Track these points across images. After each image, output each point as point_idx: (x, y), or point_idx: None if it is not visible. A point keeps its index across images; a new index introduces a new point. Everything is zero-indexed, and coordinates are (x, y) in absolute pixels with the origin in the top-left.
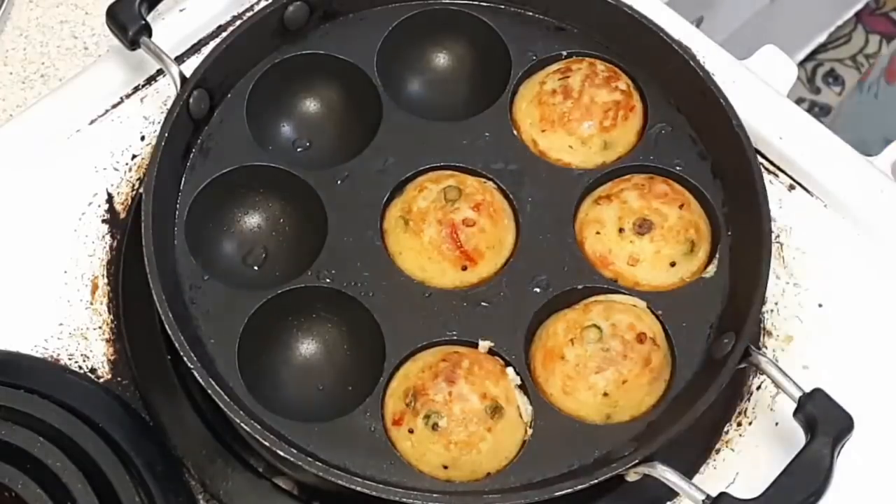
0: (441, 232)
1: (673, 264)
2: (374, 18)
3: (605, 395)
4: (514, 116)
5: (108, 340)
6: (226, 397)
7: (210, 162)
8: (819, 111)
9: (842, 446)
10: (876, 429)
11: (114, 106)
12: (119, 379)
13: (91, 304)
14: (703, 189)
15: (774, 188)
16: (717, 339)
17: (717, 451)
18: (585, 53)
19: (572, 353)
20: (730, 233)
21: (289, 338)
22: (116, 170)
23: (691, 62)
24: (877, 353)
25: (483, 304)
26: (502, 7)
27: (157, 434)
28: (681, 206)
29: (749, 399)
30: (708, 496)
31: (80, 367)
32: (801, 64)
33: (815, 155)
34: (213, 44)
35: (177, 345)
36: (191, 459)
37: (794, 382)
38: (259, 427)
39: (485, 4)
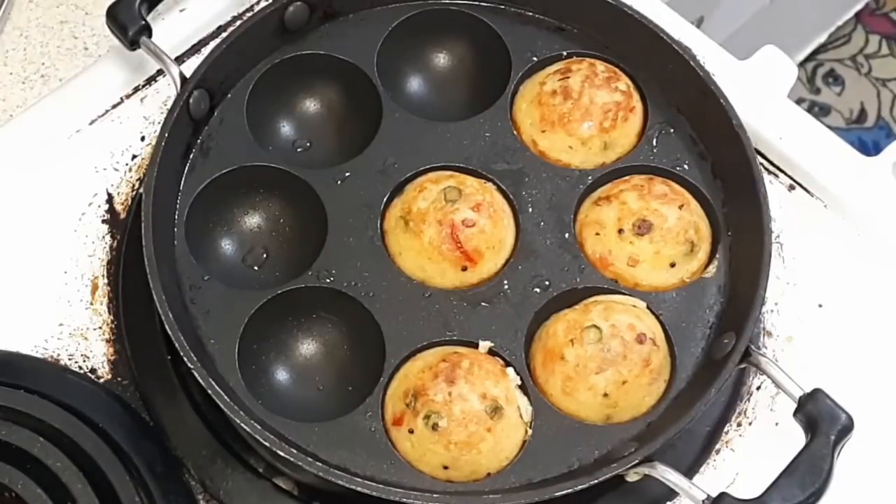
0: (441, 232)
1: (673, 265)
2: (374, 18)
3: (605, 395)
4: (514, 117)
5: (108, 340)
6: (226, 397)
7: (210, 162)
8: (819, 111)
9: (842, 446)
10: (876, 429)
11: (114, 106)
12: (119, 379)
13: (91, 304)
14: (703, 189)
15: (774, 188)
16: (717, 339)
17: (717, 451)
18: (585, 53)
19: (572, 353)
20: (730, 233)
21: (289, 338)
22: (116, 170)
23: (691, 62)
24: (877, 353)
25: (483, 304)
26: (502, 7)
27: (157, 434)
28: (680, 207)
29: (749, 399)
30: (708, 496)
31: (80, 368)
32: (801, 64)
33: (815, 155)
34: (213, 44)
35: (177, 345)
36: (191, 459)
37: (795, 382)
38: (259, 427)
39: (485, 4)
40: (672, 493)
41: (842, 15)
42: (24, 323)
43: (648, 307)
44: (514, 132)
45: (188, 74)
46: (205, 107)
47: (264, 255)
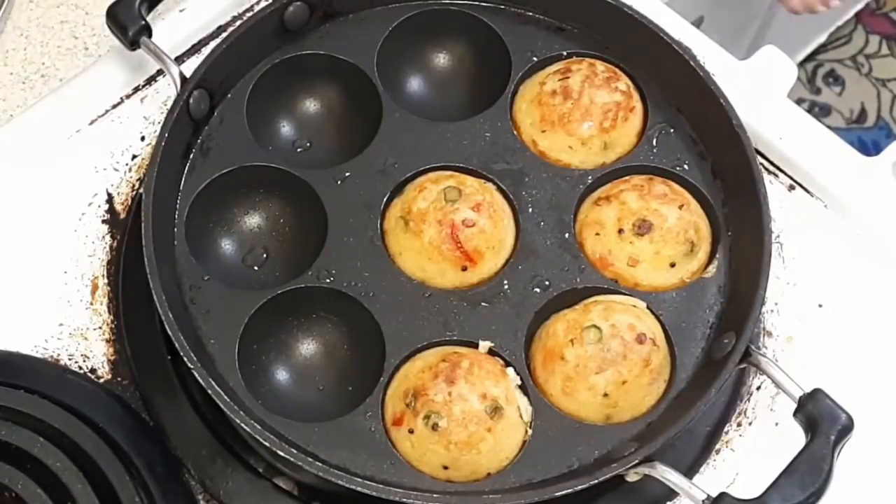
0: (441, 232)
1: (673, 265)
2: (374, 18)
3: (605, 395)
4: (514, 117)
5: (108, 340)
6: (226, 397)
7: (210, 162)
8: (819, 111)
9: (842, 446)
10: (876, 429)
11: (114, 106)
12: (119, 379)
13: (91, 304)
14: (703, 189)
15: (774, 188)
16: (717, 339)
17: (717, 451)
18: (585, 53)
19: (572, 353)
20: (730, 233)
21: (289, 338)
22: (116, 170)
23: (691, 62)
24: (877, 353)
25: (483, 304)
26: (502, 7)
27: (157, 434)
28: (680, 207)
29: (749, 399)
30: (708, 496)
31: (80, 368)
32: (801, 64)
33: (815, 155)
34: (213, 44)
35: (177, 345)
36: (191, 460)
37: (795, 382)
38: (259, 427)
39: (485, 4)
40: (672, 493)
41: (842, 15)
42: (24, 323)
43: (648, 307)
44: (514, 132)
45: (188, 74)
46: (205, 107)
47: (264, 255)
